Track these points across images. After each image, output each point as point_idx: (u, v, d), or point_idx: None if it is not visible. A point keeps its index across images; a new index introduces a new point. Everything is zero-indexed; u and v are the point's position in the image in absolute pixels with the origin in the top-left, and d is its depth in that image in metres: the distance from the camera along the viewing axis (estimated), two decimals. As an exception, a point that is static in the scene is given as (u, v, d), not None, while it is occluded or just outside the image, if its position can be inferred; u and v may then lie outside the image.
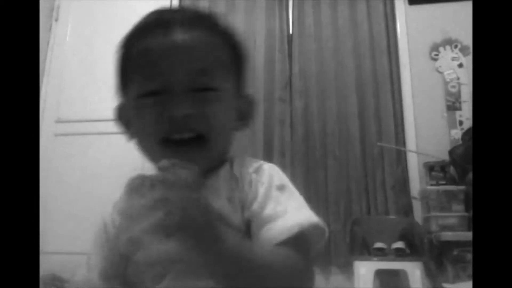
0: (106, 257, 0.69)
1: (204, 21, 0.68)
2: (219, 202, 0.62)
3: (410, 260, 2.34)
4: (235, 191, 0.64)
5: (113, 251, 0.68)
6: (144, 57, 0.65)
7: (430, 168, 2.55)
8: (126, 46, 0.68)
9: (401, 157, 2.78)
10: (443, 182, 2.48)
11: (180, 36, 0.64)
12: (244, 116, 0.72)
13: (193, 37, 0.64)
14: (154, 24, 0.66)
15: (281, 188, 0.65)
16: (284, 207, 0.62)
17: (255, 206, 0.62)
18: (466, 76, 2.86)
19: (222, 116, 0.66)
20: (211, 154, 0.66)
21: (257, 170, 0.67)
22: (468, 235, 2.16)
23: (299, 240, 0.59)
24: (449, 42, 2.94)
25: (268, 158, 2.84)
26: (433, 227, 2.38)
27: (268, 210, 0.62)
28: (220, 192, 0.64)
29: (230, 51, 0.69)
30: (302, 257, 0.58)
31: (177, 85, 0.63)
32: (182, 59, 0.63)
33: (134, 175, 0.69)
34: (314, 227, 0.61)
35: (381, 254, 2.39)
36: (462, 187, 2.41)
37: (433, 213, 2.42)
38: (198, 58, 0.64)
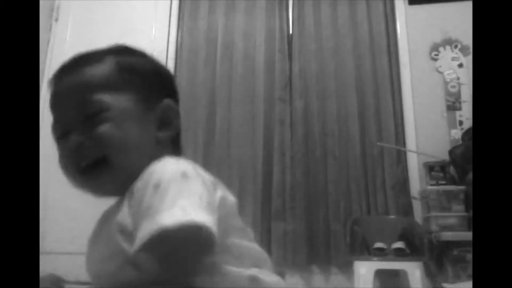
0: None
1: (97, 56, 0.73)
2: (120, 216, 0.63)
3: (410, 260, 2.34)
4: (130, 200, 0.63)
5: None
6: (50, 106, 0.73)
7: (430, 168, 2.55)
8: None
9: (401, 157, 2.78)
10: (443, 182, 2.48)
11: (67, 78, 0.72)
12: (164, 124, 0.73)
13: (78, 74, 0.71)
14: (55, 73, 0.74)
15: (155, 186, 0.60)
16: (148, 210, 0.58)
17: (135, 211, 0.61)
18: (466, 76, 2.86)
19: (117, 132, 0.67)
20: (115, 173, 0.67)
21: (145, 172, 0.63)
22: (468, 235, 2.16)
23: (151, 247, 0.55)
24: (449, 42, 2.94)
25: (268, 158, 2.84)
26: (433, 227, 2.38)
27: (139, 214, 0.59)
28: (122, 207, 0.65)
29: (125, 74, 0.72)
30: (148, 266, 0.56)
31: (71, 122, 0.68)
32: (67, 98, 0.70)
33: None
34: (170, 230, 0.55)
35: (381, 254, 2.39)
36: (462, 187, 2.41)
37: (433, 213, 2.42)
38: (80, 91, 0.69)
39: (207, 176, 0.65)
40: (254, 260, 0.69)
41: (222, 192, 0.66)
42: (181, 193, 0.59)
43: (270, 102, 2.95)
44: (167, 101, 0.74)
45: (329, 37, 3.02)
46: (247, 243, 0.69)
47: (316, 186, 2.76)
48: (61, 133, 0.70)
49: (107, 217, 0.73)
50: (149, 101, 0.72)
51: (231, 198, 0.68)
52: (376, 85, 2.90)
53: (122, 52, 0.76)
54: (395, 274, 2.48)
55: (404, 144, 2.81)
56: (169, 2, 3.20)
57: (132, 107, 0.70)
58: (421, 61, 2.95)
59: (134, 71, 0.74)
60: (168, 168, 0.62)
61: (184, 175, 0.61)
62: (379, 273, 2.42)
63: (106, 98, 0.68)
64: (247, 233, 0.70)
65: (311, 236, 2.67)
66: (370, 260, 2.39)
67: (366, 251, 2.51)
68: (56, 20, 3.35)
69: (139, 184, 0.62)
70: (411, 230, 2.51)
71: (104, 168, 0.67)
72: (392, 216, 2.64)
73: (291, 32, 3.11)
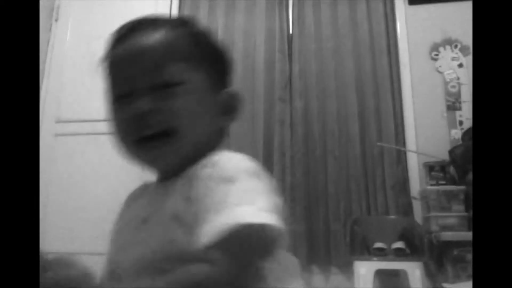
0: None
1: (167, 23, 0.71)
2: (174, 202, 0.62)
3: (410, 260, 2.34)
4: (193, 189, 0.61)
5: None
6: (111, 65, 0.70)
7: (430, 168, 2.55)
8: (103, 56, 0.72)
9: (401, 157, 2.78)
10: (443, 182, 2.48)
11: (139, 39, 0.68)
12: (227, 111, 0.72)
13: (152, 38, 0.68)
14: (121, 33, 0.70)
15: (228, 180, 0.58)
16: (222, 204, 0.56)
17: (200, 203, 0.58)
18: (466, 76, 2.86)
19: (189, 108, 0.66)
20: (182, 147, 0.66)
21: (214, 163, 0.62)
22: (468, 235, 2.16)
23: (227, 243, 0.53)
24: (449, 42, 2.94)
25: (268, 158, 2.84)
26: (433, 227, 2.38)
27: (205, 206, 0.57)
28: (177, 192, 0.63)
29: (198, 48, 0.70)
30: (222, 263, 0.52)
31: (139, 85, 0.65)
32: (140, 60, 0.66)
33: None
34: (248, 228, 0.54)
35: (381, 254, 2.39)
36: (462, 187, 2.41)
37: (433, 213, 2.42)
38: (156, 56, 0.66)
39: (269, 179, 0.63)
40: (291, 269, 0.68)
41: (278, 198, 0.63)
42: (256, 192, 0.58)
43: (270, 102, 2.95)
44: (234, 89, 0.73)
45: (329, 37, 3.02)
46: (287, 252, 0.68)
47: (316, 186, 2.76)
48: (122, 94, 0.67)
49: (142, 199, 0.71)
50: (219, 83, 0.71)
51: (282, 204, 0.66)
52: (376, 85, 2.90)
53: (195, 25, 0.74)
54: (395, 274, 2.48)
55: (404, 144, 2.81)
56: (169, 2, 3.20)
57: (205, 86, 0.69)
58: (421, 61, 2.95)
59: (209, 48, 0.72)
60: (240, 163, 0.62)
61: (256, 174, 0.60)
62: (379, 273, 2.42)
63: (184, 70, 0.66)
64: (286, 241, 0.68)
65: (311, 236, 2.67)
66: (370, 260, 2.39)
67: (366, 251, 2.51)
68: (56, 20, 3.35)
69: (204, 173, 0.60)
70: (411, 230, 2.51)
71: (169, 140, 0.65)
72: (392, 216, 2.64)
73: (291, 32, 3.11)
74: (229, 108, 0.72)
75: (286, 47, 3.06)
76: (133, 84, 0.66)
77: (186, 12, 3.20)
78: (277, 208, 0.58)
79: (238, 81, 3.00)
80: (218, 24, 3.13)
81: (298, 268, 0.70)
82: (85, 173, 2.93)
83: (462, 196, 2.39)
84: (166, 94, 0.65)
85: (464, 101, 2.82)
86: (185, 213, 0.59)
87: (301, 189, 2.75)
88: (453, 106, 2.84)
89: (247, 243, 0.55)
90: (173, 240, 0.59)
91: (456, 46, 2.93)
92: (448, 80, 2.89)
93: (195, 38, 0.71)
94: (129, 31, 0.69)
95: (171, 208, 0.62)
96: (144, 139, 0.65)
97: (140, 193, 0.75)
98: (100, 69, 0.71)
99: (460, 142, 2.63)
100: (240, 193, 0.57)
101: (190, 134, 0.66)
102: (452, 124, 2.81)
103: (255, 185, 0.59)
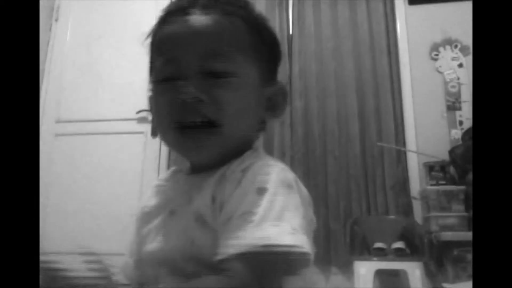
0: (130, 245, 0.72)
1: (224, 6, 0.65)
2: (202, 199, 0.59)
3: (410, 260, 2.34)
4: (220, 190, 0.58)
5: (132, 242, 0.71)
6: (160, 44, 0.66)
7: (430, 168, 2.56)
8: (151, 33, 0.68)
9: (401, 157, 2.78)
10: (443, 182, 2.49)
11: (194, 20, 0.63)
12: (274, 106, 0.68)
13: (208, 21, 0.63)
14: (173, 11, 0.66)
15: (259, 189, 0.55)
16: (249, 215, 0.53)
17: (226, 208, 0.56)
18: (466, 76, 2.86)
19: (238, 102, 0.62)
20: (224, 141, 0.62)
21: (246, 168, 0.59)
22: (468, 235, 2.16)
23: (250, 259, 0.51)
24: (449, 42, 2.95)
25: (268, 158, 2.84)
26: (433, 227, 2.38)
27: (231, 213, 0.54)
28: (207, 189, 0.60)
29: (255, 37, 0.65)
30: (243, 279, 0.50)
31: (189, 70, 0.61)
32: (194, 43, 0.62)
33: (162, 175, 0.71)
34: (270, 249, 0.51)
35: (381, 254, 2.39)
36: (462, 187, 2.41)
37: (433, 213, 2.42)
38: (211, 42, 0.62)
39: (305, 191, 0.61)
40: (315, 284, 0.65)
41: (312, 211, 0.61)
42: (286, 207, 0.54)
43: (270, 102, 2.95)
44: (282, 84, 0.70)
45: (329, 37, 3.02)
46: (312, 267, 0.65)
47: (316, 186, 2.76)
48: (168, 76, 0.63)
49: (171, 188, 0.69)
50: (269, 77, 0.68)
51: (314, 218, 0.62)
52: (376, 85, 2.90)
53: (253, 9, 0.68)
54: (395, 274, 2.48)
55: (404, 144, 2.82)
56: (169, 2, 3.20)
57: (257, 79, 0.65)
58: (421, 61, 2.95)
59: (265, 38, 0.68)
60: (273, 172, 0.58)
61: (289, 187, 0.57)
62: (379, 273, 2.42)
63: (240, 61, 0.62)
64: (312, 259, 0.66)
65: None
66: (370, 260, 2.39)
67: (366, 251, 2.51)
68: (56, 20, 3.35)
69: (234, 176, 0.58)
70: (411, 230, 2.51)
71: (213, 133, 0.61)
72: (392, 216, 2.65)
73: (291, 32, 3.11)
74: (275, 103, 0.68)
75: (286, 47, 3.06)
76: (182, 68, 0.62)
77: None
78: (307, 225, 0.56)
79: (238, 81, 3.00)
80: (218, 24, 3.13)
81: (322, 282, 0.68)
82: (85, 173, 2.93)
83: (462, 196, 2.39)
84: (217, 84, 0.61)
85: (464, 101, 2.83)
86: (209, 214, 0.58)
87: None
88: (453, 106, 2.84)
89: (271, 263, 0.52)
90: (193, 241, 0.58)
91: (456, 46, 2.93)
92: (448, 80, 2.89)
93: (253, 27, 0.66)
94: (183, 9, 0.65)
95: (198, 206, 0.59)
96: (187, 127, 0.62)
97: (169, 181, 0.72)
98: (145, 46, 0.68)
99: (460, 142, 2.64)
100: (269, 206, 0.54)
101: (235, 129, 0.63)
102: (452, 124, 2.81)
103: (285, 200, 0.55)
